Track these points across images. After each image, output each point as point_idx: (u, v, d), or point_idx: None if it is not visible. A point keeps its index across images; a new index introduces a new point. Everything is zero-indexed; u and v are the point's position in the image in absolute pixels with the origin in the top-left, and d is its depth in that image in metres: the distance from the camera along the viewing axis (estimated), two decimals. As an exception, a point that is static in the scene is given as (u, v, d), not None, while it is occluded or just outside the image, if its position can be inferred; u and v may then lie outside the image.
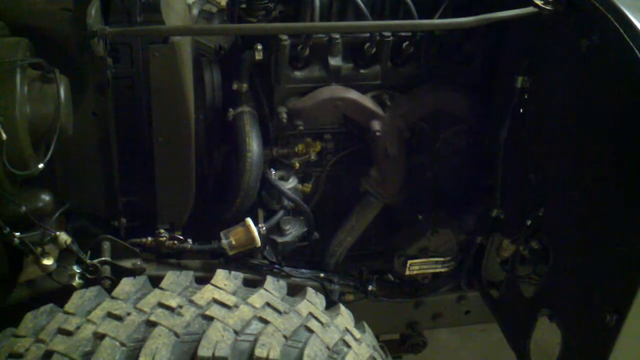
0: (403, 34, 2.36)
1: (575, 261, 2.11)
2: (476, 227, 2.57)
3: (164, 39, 2.05)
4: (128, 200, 2.23)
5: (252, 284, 1.98)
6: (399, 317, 2.79)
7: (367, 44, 2.32)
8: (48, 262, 1.98)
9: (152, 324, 1.71)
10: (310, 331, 1.85)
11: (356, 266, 2.65)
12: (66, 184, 2.09)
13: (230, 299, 1.83)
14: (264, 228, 2.33)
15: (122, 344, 1.66)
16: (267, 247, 2.38)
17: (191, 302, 1.80)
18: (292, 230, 2.43)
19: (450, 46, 2.43)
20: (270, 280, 1.99)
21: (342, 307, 2.10)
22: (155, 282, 1.89)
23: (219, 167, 2.50)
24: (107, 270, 2.09)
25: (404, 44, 2.37)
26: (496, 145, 2.37)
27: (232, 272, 1.96)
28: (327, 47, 2.32)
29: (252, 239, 2.26)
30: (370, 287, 2.60)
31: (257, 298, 1.88)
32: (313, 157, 2.45)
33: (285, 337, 1.78)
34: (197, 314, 1.77)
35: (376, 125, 2.38)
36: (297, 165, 2.44)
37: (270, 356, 1.70)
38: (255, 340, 1.73)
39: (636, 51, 1.78)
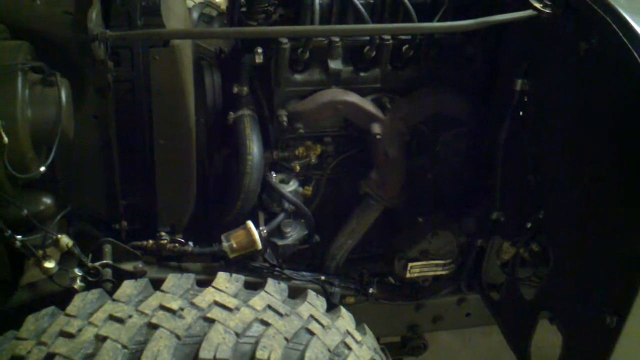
0: (403, 37, 2.36)
1: (575, 263, 2.12)
2: (476, 230, 2.57)
3: (165, 42, 2.06)
4: (129, 203, 2.23)
5: (253, 287, 1.99)
6: (399, 319, 2.79)
7: (367, 47, 2.32)
8: (49, 265, 1.98)
9: (153, 327, 1.72)
10: (312, 333, 1.86)
11: (357, 269, 2.65)
12: (67, 187, 2.09)
13: (231, 302, 1.84)
14: (264, 231, 2.33)
15: (124, 347, 1.67)
16: (268, 250, 2.37)
17: (192, 304, 1.81)
18: (293, 233, 2.43)
19: (449, 49, 2.43)
20: (271, 283, 2.00)
21: (343, 310, 2.11)
22: (157, 284, 1.89)
23: (219, 170, 2.50)
24: (108, 273, 2.09)
25: (404, 47, 2.37)
26: (496, 147, 2.37)
27: (233, 275, 1.97)
28: (327, 50, 2.32)
29: (253, 241, 2.25)
30: (370, 290, 2.60)
31: (258, 300, 1.88)
32: (313, 160, 2.46)
33: (286, 339, 1.79)
34: (199, 316, 1.77)
35: (376, 128, 2.38)
36: (298, 168, 2.44)
37: (272, 358, 1.71)
38: (257, 343, 1.74)
39: (634, 54, 1.78)
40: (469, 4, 2.36)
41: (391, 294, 2.69)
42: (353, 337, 1.98)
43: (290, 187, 2.41)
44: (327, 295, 2.43)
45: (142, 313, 1.76)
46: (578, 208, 2.08)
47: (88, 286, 2.04)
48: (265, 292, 1.94)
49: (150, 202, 2.24)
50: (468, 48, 2.44)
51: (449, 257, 2.62)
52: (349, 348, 1.91)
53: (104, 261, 2.11)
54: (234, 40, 2.55)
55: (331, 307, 2.11)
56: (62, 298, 1.87)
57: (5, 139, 1.78)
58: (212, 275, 1.95)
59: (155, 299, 1.81)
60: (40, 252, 1.98)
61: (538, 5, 2.07)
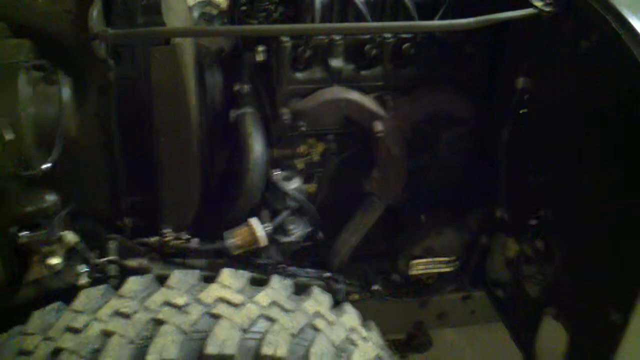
0: (404, 35, 2.37)
1: (579, 259, 2.12)
2: (480, 227, 2.58)
3: (166, 40, 2.06)
4: (132, 201, 2.23)
5: (259, 283, 1.98)
6: (404, 316, 2.78)
7: (368, 46, 2.33)
8: (54, 261, 1.98)
9: (159, 322, 1.72)
10: (317, 329, 1.85)
11: (361, 266, 2.65)
12: (70, 184, 2.09)
13: (236, 297, 1.83)
14: (268, 228, 2.33)
15: (130, 342, 1.67)
16: (272, 247, 2.37)
17: (198, 300, 1.80)
18: (297, 230, 2.42)
19: (451, 47, 2.43)
20: (276, 279, 2.00)
21: (349, 306, 2.10)
22: (162, 281, 1.90)
23: (222, 168, 2.50)
24: (113, 269, 2.09)
25: (405, 45, 2.38)
26: (498, 145, 2.37)
27: (239, 271, 1.97)
28: (328, 48, 2.32)
29: (257, 238, 2.25)
30: (375, 287, 2.60)
31: (264, 296, 1.88)
32: (316, 158, 2.46)
33: (292, 335, 1.78)
34: (204, 312, 1.77)
35: (378, 126, 2.38)
36: (301, 166, 2.44)
37: (277, 354, 1.70)
38: (262, 338, 1.74)
39: (634, 53, 1.79)
40: (469, 2, 2.37)
41: (395, 291, 2.69)
42: (359, 333, 1.97)
43: (294, 185, 2.42)
44: (332, 292, 2.42)
45: (147, 309, 1.76)
46: (581, 205, 2.08)
47: (93, 283, 2.04)
48: (271, 288, 1.94)
49: (154, 199, 2.24)
50: (469, 46, 2.44)
51: (453, 254, 2.62)
52: (355, 344, 1.90)
53: (109, 257, 2.11)
54: (235, 39, 2.55)
55: (336, 304, 2.10)
56: (67, 295, 1.87)
57: (9, 136, 1.78)
58: (217, 271, 1.95)
59: (161, 294, 1.81)
60: (45, 248, 1.98)
61: (539, 4, 2.08)
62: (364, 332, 2.01)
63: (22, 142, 1.84)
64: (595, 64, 1.95)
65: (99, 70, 2.01)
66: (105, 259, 2.10)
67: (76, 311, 1.76)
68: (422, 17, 2.34)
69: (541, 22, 2.09)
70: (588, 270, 2.07)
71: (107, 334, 1.68)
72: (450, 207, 2.60)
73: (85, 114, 2.07)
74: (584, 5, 1.95)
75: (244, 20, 2.31)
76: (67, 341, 1.66)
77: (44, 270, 2.00)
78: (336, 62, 2.34)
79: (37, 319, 1.77)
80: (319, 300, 2.00)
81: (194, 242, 2.28)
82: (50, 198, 1.99)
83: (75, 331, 1.69)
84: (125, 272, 2.08)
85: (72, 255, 2.06)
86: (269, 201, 2.43)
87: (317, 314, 1.91)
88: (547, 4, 2.07)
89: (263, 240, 2.27)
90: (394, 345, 2.54)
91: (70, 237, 2.02)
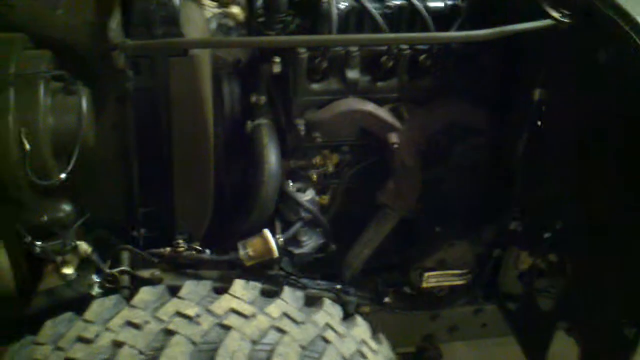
0: (419, 46, 2.37)
1: (593, 274, 2.11)
2: (493, 240, 2.57)
3: (184, 51, 2.07)
4: (147, 211, 2.24)
5: (270, 295, 1.99)
6: (415, 329, 2.77)
7: (385, 57, 2.33)
8: (68, 271, 2.01)
9: (170, 333, 1.72)
10: (327, 341, 1.85)
11: (372, 278, 2.65)
12: (86, 194, 2.11)
13: (247, 309, 1.84)
14: (281, 239, 2.34)
15: (141, 352, 1.67)
16: (284, 258, 2.38)
17: (209, 311, 1.81)
18: (309, 242, 2.43)
19: (466, 58, 2.43)
20: (287, 291, 2.00)
21: (359, 318, 2.10)
22: (174, 291, 1.90)
23: (237, 179, 2.51)
24: (125, 279, 2.11)
25: (421, 57, 2.38)
26: (514, 157, 2.36)
27: (250, 282, 1.97)
28: (344, 59, 2.33)
29: (270, 250, 2.26)
30: (386, 299, 2.60)
31: (275, 308, 1.88)
32: (330, 169, 2.47)
33: (302, 347, 1.78)
34: (215, 323, 1.77)
35: (393, 137, 2.38)
36: (315, 177, 2.45)
37: (287, 366, 1.71)
38: (272, 350, 1.73)
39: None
40: (485, 13, 2.36)
41: (407, 304, 2.69)
42: (369, 346, 1.97)
43: (307, 196, 2.42)
44: (343, 304, 2.42)
45: (159, 319, 1.76)
46: (596, 219, 2.06)
47: (105, 293, 2.05)
48: (282, 299, 1.94)
49: (168, 210, 2.26)
50: (484, 58, 2.44)
51: (466, 267, 2.61)
52: (365, 357, 1.90)
53: (122, 268, 2.12)
54: (252, 50, 2.57)
55: (346, 316, 2.11)
56: (78, 304, 1.88)
57: (27, 146, 1.80)
58: (229, 282, 1.95)
59: (172, 305, 1.81)
60: (60, 258, 2.00)
61: (556, 15, 2.07)
62: (374, 345, 2.01)
63: (41, 152, 1.87)
64: (613, 75, 1.94)
65: (117, 81, 2.03)
66: (118, 269, 2.11)
67: (87, 321, 1.77)
68: (438, 28, 2.34)
69: (558, 33, 2.08)
70: (601, 285, 2.06)
71: (117, 345, 1.68)
72: (464, 219, 2.59)
73: (103, 124, 2.10)
74: (602, 16, 1.94)
75: (261, 32, 2.32)
76: (78, 351, 1.67)
77: (57, 279, 2.03)
78: (352, 74, 2.35)
79: (49, 328, 1.78)
80: (329, 312, 2.00)
81: (207, 253, 2.29)
82: (66, 208, 2.02)
83: (86, 341, 1.69)
84: (138, 283, 2.10)
85: (84, 265, 2.08)
86: (283, 212, 2.44)
87: (328, 326, 1.91)
88: (564, 15, 2.06)
89: (276, 252, 2.27)
90: (403, 358, 2.53)
91: (84, 247, 2.04)
